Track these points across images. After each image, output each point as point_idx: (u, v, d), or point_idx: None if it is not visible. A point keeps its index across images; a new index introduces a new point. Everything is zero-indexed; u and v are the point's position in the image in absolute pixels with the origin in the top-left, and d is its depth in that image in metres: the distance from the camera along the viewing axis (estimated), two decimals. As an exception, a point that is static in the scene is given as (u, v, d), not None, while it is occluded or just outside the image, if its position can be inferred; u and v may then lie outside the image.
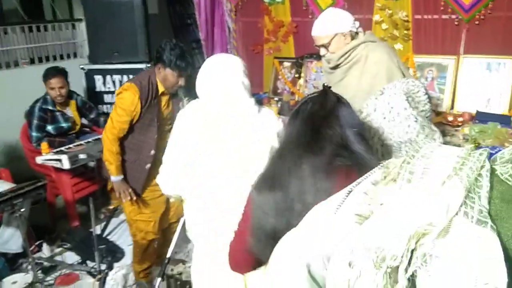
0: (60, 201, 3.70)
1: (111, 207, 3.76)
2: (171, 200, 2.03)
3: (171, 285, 2.52)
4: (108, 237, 3.53)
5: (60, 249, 3.38)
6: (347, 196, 0.86)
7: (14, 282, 2.88)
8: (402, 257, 0.67)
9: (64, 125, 3.58)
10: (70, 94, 3.65)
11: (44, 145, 3.25)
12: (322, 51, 2.16)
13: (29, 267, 2.93)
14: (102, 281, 2.68)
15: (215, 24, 4.21)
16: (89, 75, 4.23)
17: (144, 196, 2.66)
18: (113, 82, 4.22)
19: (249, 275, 1.28)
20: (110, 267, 3.08)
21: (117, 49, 4.10)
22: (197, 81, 1.72)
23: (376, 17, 3.42)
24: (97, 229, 3.11)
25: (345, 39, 2.11)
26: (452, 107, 3.18)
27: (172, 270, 2.53)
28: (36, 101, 3.51)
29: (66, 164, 3.08)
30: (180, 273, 2.52)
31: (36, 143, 3.48)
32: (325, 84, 1.27)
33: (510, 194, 0.76)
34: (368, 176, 0.87)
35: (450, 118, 3.01)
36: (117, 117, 2.45)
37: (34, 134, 3.49)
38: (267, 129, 1.66)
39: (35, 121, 3.48)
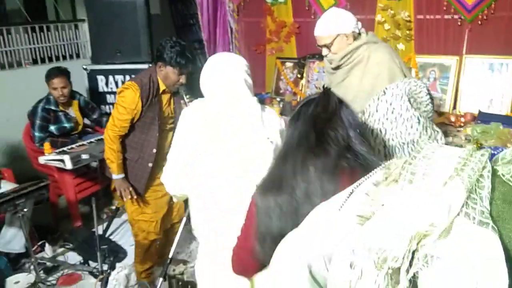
0: (63, 201, 3.71)
1: (113, 207, 3.76)
2: (175, 200, 2.02)
3: (173, 285, 2.53)
4: (111, 237, 3.53)
5: (62, 249, 3.38)
6: (348, 196, 0.86)
7: (17, 282, 2.89)
8: (403, 258, 0.67)
9: (66, 125, 3.58)
10: (73, 94, 3.66)
11: (46, 145, 3.26)
12: (324, 52, 2.16)
13: (32, 267, 2.93)
14: (104, 281, 2.68)
15: (217, 24, 4.22)
16: (92, 76, 4.22)
17: (146, 196, 2.67)
18: (116, 82, 4.21)
19: (255, 275, 1.28)
20: (112, 267, 3.07)
21: (119, 50, 4.10)
22: (201, 78, 1.72)
23: (378, 17, 3.42)
24: (100, 229, 3.11)
25: (347, 39, 2.10)
26: (454, 108, 3.17)
27: (174, 270, 2.54)
28: (39, 101, 3.52)
29: (68, 165, 3.09)
30: (182, 273, 2.53)
31: (38, 143, 3.49)
32: (326, 86, 1.27)
33: (512, 195, 0.76)
34: (370, 176, 0.87)
35: (453, 119, 3.00)
36: (118, 115, 2.46)
37: (36, 134, 3.50)
38: (269, 128, 1.65)
39: (37, 121, 3.48)
